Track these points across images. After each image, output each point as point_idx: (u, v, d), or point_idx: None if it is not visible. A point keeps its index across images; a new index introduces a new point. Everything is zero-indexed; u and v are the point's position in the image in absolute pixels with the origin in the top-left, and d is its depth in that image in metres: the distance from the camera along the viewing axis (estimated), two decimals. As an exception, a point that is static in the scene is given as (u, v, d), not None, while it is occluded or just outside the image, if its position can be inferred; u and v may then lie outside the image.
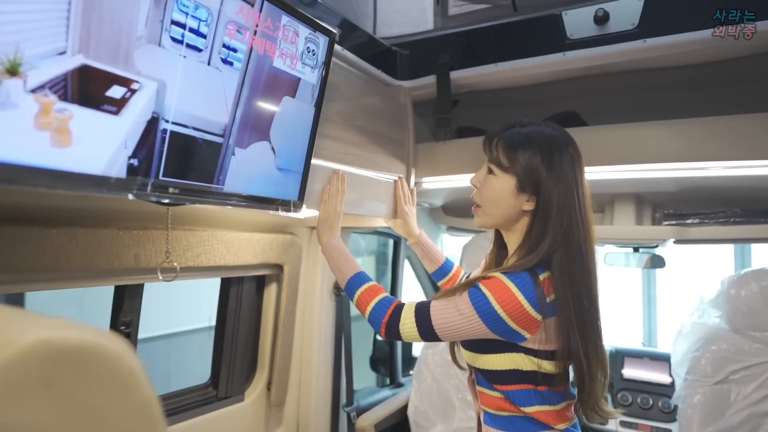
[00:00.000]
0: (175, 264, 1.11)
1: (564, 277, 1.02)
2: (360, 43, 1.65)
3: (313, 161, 1.28)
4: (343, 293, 1.99)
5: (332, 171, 1.44)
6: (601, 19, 1.44)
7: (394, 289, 2.68)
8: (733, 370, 1.82)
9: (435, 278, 1.62)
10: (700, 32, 1.33)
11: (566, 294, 1.02)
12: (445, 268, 1.59)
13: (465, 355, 1.18)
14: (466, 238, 2.44)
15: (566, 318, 1.01)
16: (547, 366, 1.04)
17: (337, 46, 1.48)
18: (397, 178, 1.68)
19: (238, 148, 0.92)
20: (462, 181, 1.91)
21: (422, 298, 2.67)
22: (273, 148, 1.00)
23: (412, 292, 2.96)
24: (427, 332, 1.05)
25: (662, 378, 2.28)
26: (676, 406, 1.99)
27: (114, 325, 1.39)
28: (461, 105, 1.80)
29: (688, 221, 1.89)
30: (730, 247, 2.94)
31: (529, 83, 1.67)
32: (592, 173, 1.66)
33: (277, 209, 1.02)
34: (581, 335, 1.01)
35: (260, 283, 1.83)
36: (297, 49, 0.98)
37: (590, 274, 1.07)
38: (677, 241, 1.96)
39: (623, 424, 2.24)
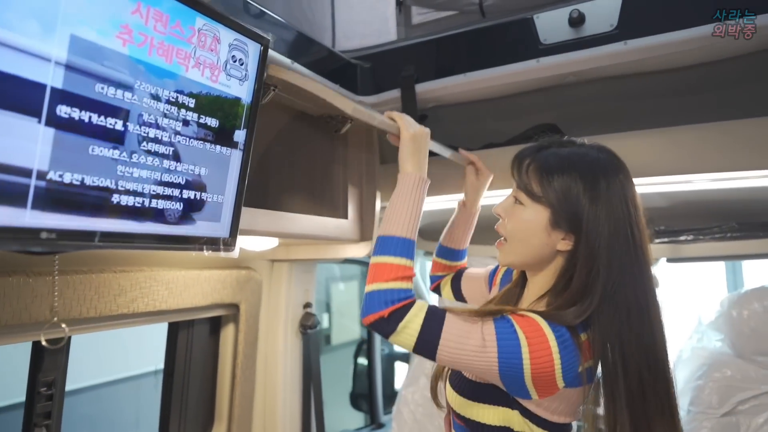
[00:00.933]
0: (63, 325, 0.93)
1: (612, 341, 0.84)
2: (317, 59, 1.50)
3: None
4: (310, 331, 1.81)
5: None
6: (577, 21, 1.31)
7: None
8: (741, 400, 1.65)
9: (439, 254, 1.36)
10: (684, 31, 1.20)
11: (614, 363, 0.83)
12: (458, 254, 1.34)
13: (450, 397, 0.98)
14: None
15: (611, 393, 0.83)
16: None
17: (286, 60, 1.32)
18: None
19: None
20: (436, 203, 1.76)
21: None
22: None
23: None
24: (427, 344, 0.82)
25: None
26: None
27: (32, 388, 1.19)
28: (429, 120, 1.64)
29: (681, 238, 1.74)
30: (721, 265, 2.81)
31: (502, 94, 1.53)
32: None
33: (201, 249, 0.84)
34: (633, 418, 0.82)
35: (215, 325, 1.64)
36: (218, 59, 0.82)
37: (654, 336, 0.86)
38: (670, 260, 1.82)
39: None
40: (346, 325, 4.32)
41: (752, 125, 1.21)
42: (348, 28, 1.71)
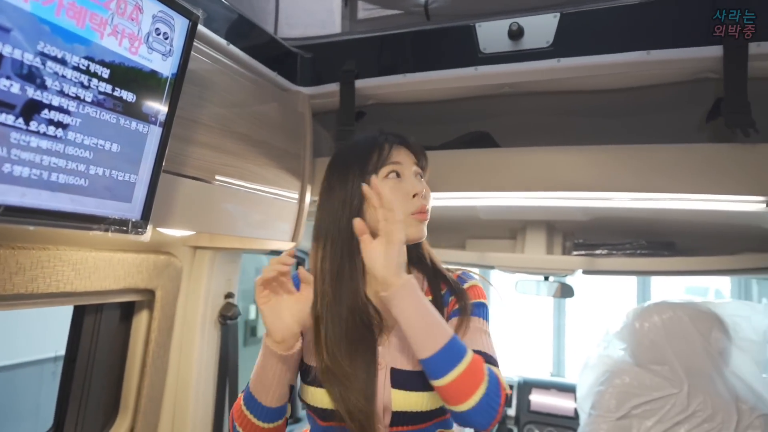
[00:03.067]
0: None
1: None
2: (257, 44, 1.45)
3: (172, 172, 1.05)
4: (230, 322, 1.76)
5: (201, 185, 1.21)
6: (516, 34, 1.34)
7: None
8: (635, 405, 1.77)
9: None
10: (615, 55, 1.26)
11: None
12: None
13: (405, 400, 0.90)
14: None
15: None
16: None
17: (221, 41, 1.27)
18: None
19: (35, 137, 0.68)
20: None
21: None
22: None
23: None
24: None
25: (568, 409, 2.22)
26: (580, 442, 1.92)
27: None
28: (367, 118, 1.64)
29: (597, 252, 1.84)
30: (633, 278, 3.01)
31: (440, 98, 1.54)
32: (504, 198, 1.55)
33: (106, 230, 0.79)
34: None
35: (127, 311, 1.55)
36: (139, 29, 0.77)
37: None
38: (586, 272, 1.91)
39: (529, 459, 2.16)
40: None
41: (666, 151, 1.29)
42: (292, 15, 1.67)
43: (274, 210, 1.47)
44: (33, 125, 0.67)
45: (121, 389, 1.57)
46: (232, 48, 1.29)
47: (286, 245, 1.54)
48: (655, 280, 3.09)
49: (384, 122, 1.73)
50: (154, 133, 0.84)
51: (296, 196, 1.52)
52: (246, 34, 1.41)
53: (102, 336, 1.50)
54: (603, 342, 2.02)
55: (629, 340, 1.88)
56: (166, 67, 0.83)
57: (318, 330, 0.91)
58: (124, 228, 0.82)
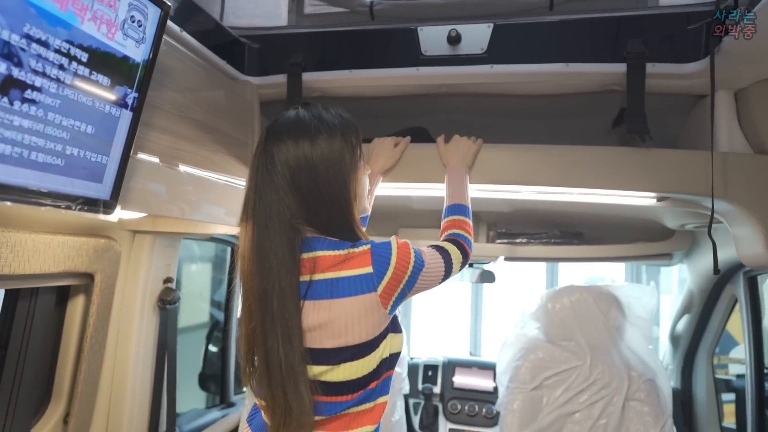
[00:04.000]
0: None
1: None
2: (204, 29, 1.47)
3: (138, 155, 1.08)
4: (170, 307, 1.77)
5: (158, 168, 1.23)
6: (454, 39, 1.47)
7: (229, 298, 2.47)
8: (546, 377, 1.99)
9: None
10: (538, 65, 1.43)
11: None
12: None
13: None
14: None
15: None
16: None
17: (175, 27, 1.29)
18: None
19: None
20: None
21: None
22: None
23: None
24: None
25: (488, 386, 2.43)
26: (498, 412, 2.12)
27: None
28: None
29: (517, 240, 2.04)
30: (543, 265, 3.31)
31: (382, 95, 1.64)
32: (436, 190, 1.69)
33: (79, 208, 0.81)
34: None
35: (62, 294, 1.52)
36: (116, 16, 0.80)
37: None
38: (507, 258, 2.11)
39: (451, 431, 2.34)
40: (198, 306, 4.15)
41: (579, 151, 1.48)
42: (238, 5, 1.70)
43: (225, 195, 1.51)
44: (16, 105, 0.69)
45: (53, 376, 1.54)
46: (185, 35, 1.32)
47: (234, 230, 1.58)
48: (562, 269, 3.41)
49: (328, 114, 1.80)
50: (126, 116, 0.87)
51: (245, 182, 1.57)
52: (193, 18, 1.43)
53: (36, 321, 1.46)
54: (519, 322, 2.24)
55: (543, 320, 2.10)
56: (139, 53, 0.86)
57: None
58: (95, 207, 0.84)
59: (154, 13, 0.88)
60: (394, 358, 1.04)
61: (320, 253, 0.99)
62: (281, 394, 0.93)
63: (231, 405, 2.42)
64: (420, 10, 1.56)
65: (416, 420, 2.41)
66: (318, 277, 0.96)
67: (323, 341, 0.96)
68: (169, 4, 0.90)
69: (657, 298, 2.06)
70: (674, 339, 2.31)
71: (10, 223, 1.26)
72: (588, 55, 1.40)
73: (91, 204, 0.84)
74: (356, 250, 0.99)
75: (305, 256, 0.98)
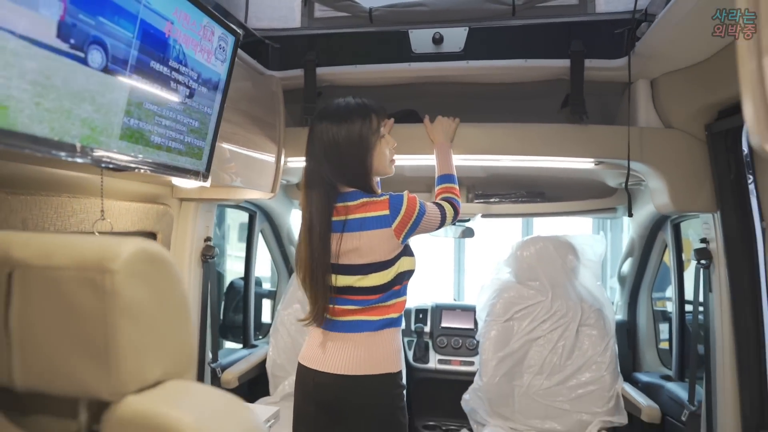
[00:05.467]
0: (109, 220, 1.23)
1: None
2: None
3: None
4: (210, 260, 2.17)
5: (220, 148, 1.62)
6: (438, 40, 1.87)
7: (248, 258, 2.88)
8: (516, 311, 2.46)
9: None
10: (503, 61, 1.83)
11: None
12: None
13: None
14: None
15: None
16: None
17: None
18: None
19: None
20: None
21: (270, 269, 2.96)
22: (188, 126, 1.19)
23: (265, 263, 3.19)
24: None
25: (469, 324, 2.90)
26: (478, 342, 2.59)
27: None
28: (324, 97, 2.09)
29: (492, 200, 2.48)
30: (519, 220, 3.79)
31: (380, 84, 2.03)
32: (425, 160, 2.10)
33: (191, 178, 1.21)
34: None
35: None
36: (212, 46, 1.18)
37: None
38: (484, 216, 2.55)
39: (440, 362, 2.81)
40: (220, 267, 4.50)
41: (537, 128, 1.90)
42: (259, 9, 2.05)
43: (257, 167, 1.90)
44: (164, 111, 1.08)
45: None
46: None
47: (262, 195, 1.98)
48: (536, 225, 3.88)
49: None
50: (215, 114, 1.26)
51: (273, 157, 1.96)
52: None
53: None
54: (495, 269, 2.70)
55: (513, 265, 2.56)
56: (223, 69, 1.25)
57: None
58: (198, 177, 1.24)
59: (231, 41, 1.26)
60: (408, 273, 1.53)
61: (350, 202, 1.44)
62: (314, 293, 1.45)
63: (254, 346, 2.85)
64: (411, 15, 1.94)
65: (411, 354, 2.88)
66: (351, 217, 1.41)
67: (356, 259, 1.44)
68: (240, 32, 1.28)
69: (605, 246, 2.53)
70: (621, 279, 2.79)
71: (105, 194, 1.65)
72: (542, 52, 1.81)
73: (196, 175, 1.24)
74: (378, 198, 1.45)
75: (339, 204, 1.42)
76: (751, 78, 0.66)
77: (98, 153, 0.94)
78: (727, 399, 1.67)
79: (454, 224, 1.70)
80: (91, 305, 0.56)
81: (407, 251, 1.52)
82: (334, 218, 1.46)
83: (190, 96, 1.15)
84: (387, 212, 1.43)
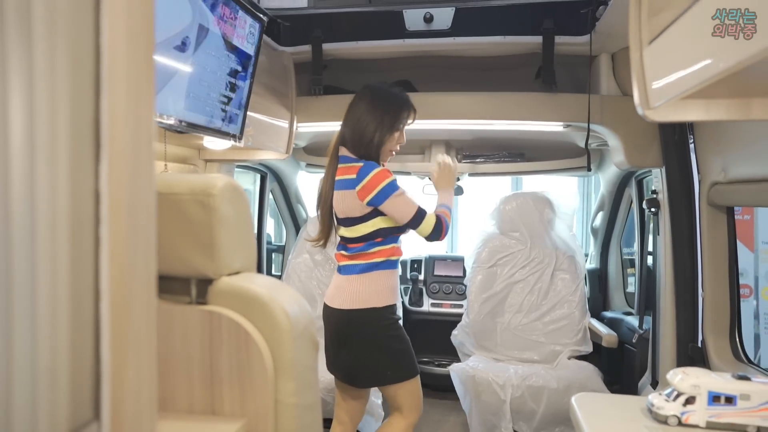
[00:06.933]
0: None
1: None
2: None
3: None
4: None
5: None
6: (428, 19, 2.14)
7: (261, 215, 3.20)
8: (499, 258, 2.81)
9: None
10: (485, 38, 2.11)
11: None
12: None
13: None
14: (320, 174, 3.08)
15: None
16: None
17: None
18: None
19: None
20: (326, 127, 2.51)
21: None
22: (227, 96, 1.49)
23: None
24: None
25: (458, 273, 3.25)
26: (466, 287, 2.94)
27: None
28: (329, 69, 2.37)
29: (478, 160, 2.79)
30: (509, 179, 4.14)
31: (378, 58, 2.32)
32: (418, 125, 2.39)
33: (230, 139, 1.52)
34: None
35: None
36: (244, 32, 1.47)
37: None
38: (471, 174, 2.86)
39: (433, 305, 3.17)
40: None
41: (516, 96, 2.19)
42: (271, -9, 2.30)
43: (272, 131, 2.20)
44: (214, 88, 1.38)
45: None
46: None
47: (282, 156, 2.29)
48: (525, 183, 4.21)
49: (341, 72, 2.48)
50: (247, 86, 1.55)
51: (287, 123, 2.26)
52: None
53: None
54: (483, 222, 3.03)
55: (497, 218, 2.89)
56: (252, 49, 1.53)
57: None
58: (234, 139, 1.55)
59: (258, 26, 1.54)
60: (388, 229, 1.73)
61: (341, 164, 1.73)
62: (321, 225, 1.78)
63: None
64: (404, -4, 2.21)
65: (407, 299, 3.25)
66: (338, 177, 1.72)
67: (340, 213, 1.75)
68: (265, 19, 1.56)
69: (577, 201, 2.87)
70: (594, 231, 3.14)
71: (156, 156, 1.95)
72: (518, 29, 2.09)
73: (233, 137, 1.54)
74: (353, 164, 1.69)
75: (341, 165, 1.73)
76: (636, 66, 0.97)
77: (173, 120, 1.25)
78: (667, 322, 2.03)
79: (430, 240, 1.78)
80: (200, 217, 0.89)
81: (383, 213, 1.70)
82: (337, 177, 1.74)
83: (232, 75, 1.44)
84: (354, 176, 1.66)
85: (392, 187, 1.67)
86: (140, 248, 0.52)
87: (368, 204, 1.67)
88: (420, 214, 1.71)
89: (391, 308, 1.79)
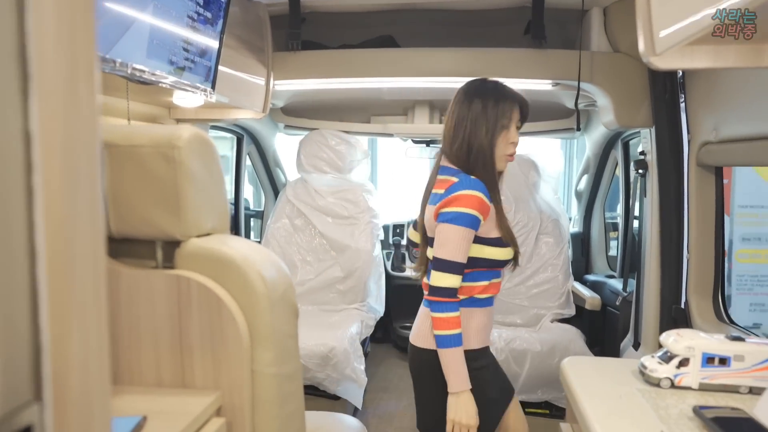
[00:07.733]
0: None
1: None
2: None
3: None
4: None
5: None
6: (415, -31, 2.01)
7: (237, 179, 3.09)
8: (483, 221, 2.76)
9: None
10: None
11: None
12: None
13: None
14: (299, 136, 2.97)
15: None
16: None
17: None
18: None
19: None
20: (305, 85, 2.39)
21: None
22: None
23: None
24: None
25: (442, 236, 3.21)
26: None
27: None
28: (308, 23, 2.24)
29: (462, 121, 2.71)
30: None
31: (361, 11, 2.19)
32: (400, 83, 2.29)
33: (201, 92, 1.40)
34: None
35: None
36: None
37: None
38: (455, 136, 2.78)
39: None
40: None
41: (502, 51, 2.10)
42: (243, -65, 2.14)
43: (250, 89, 2.08)
44: (188, 38, 1.26)
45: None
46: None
47: (258, 115, 2.17)
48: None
49: (320, 27, 2.34)
50: (216, 35, 1.44)
51: (263, 80, 2.13)
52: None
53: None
54: (465, 186, 2.97)
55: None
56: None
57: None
58: (207, 93, 1.43)
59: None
60: (480, 261, 1.39)
61: (439, 176, 1.43)
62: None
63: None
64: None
65: (389, 264, 3.20)
66: (433, 191, 1.44)
67: (430, 232, 1.44)
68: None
69: (562, 164, 2.82)
70: (578, 194, 3.11)
71: (111, 115, 1.82)
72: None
73: (205, 91, 1.43)
74: (449, 177, 1.37)
75: (439, 177, 1.43)
76: (641, 8, 0.89)
77: (131, 69, 1.13)
78: (651, 284, 2.02)
79: (430, 291, 1.35)
80: (165, 172, 0.80)
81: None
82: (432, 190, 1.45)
83: (201, 21, 1.32)
84: (442, 192, 1.35)
85: (463, 218, 1.29)
86: (82, 199, 0.44)
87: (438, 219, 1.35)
88: (450, 266, 1.30)
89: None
